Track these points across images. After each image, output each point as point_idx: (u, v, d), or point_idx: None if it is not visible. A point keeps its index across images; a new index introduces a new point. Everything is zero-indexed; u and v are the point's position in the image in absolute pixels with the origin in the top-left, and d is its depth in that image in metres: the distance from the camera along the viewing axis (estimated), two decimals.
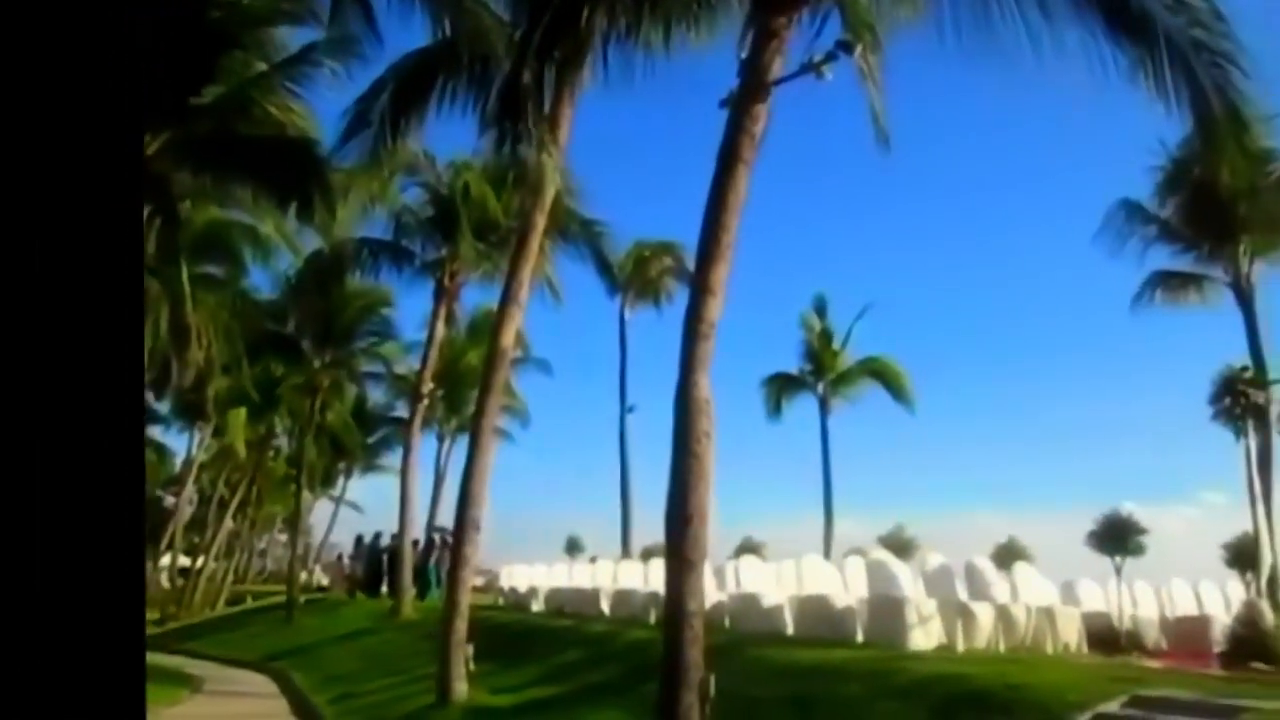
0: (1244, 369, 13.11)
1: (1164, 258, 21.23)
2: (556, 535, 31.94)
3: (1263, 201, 19.19)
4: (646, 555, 19.12)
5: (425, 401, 23.54)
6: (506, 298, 13.24)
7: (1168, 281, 21.33)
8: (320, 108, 16.11)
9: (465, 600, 12.68)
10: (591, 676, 12.19)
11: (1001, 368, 48.18)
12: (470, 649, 12.45)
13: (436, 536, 24.82)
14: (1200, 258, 20.86)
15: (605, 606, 17.38)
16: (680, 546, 8.78)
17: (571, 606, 18.23)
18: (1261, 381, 13.21)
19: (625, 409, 30.40)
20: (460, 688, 12.00)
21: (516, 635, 15.62)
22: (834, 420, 28.77)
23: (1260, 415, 12.79)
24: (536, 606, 19.85)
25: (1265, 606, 12.15)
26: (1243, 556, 13.40)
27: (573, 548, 29.69)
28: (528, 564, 23.21)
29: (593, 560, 23.27)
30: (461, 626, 12.36)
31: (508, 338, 13.19)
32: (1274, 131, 18.82)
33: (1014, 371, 47.41)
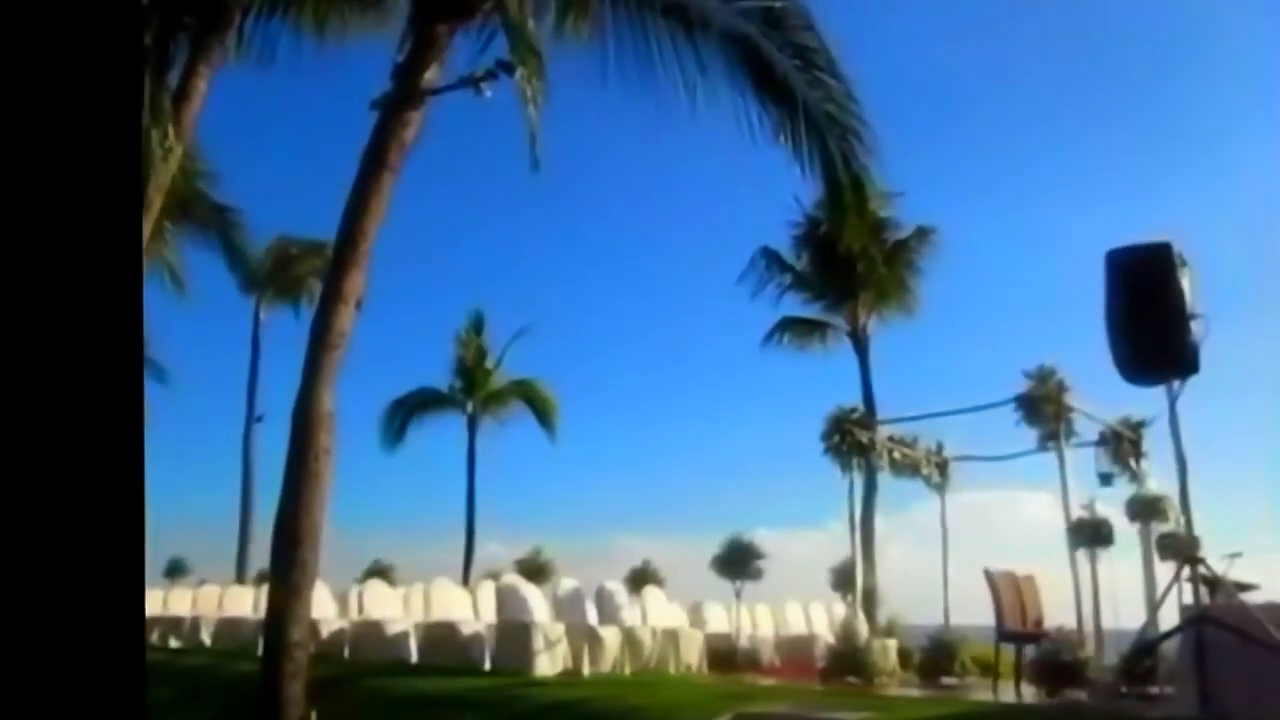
0: (853, 410, 14.31)
1: (796, 304, 23.27)
2: (158, 556, 27.92)
3: (877, 266, 21.62)
4: (261, 580, 17.38)
5: None
6: None
7: (796, 326, 23.38)
8: None
9: None
10: (179, 717, 10.79)
11: (650, 397, 50.34)
12: None
13: None
14: (825, 307, 23.12)
15: (207, 637, 15.72)
16: (287, 570, 8.04)
17: (164, 637, 16.19)
18: (868, 422, 14.50)
19: (252, 418, 27.76)
20: None
21: None
22: (481, 440, 27.98)
23: (864, 452, 14.02)
24: None
25: (860, 625, 13.20)
26: (846, 579, 14.59)
27: (176, 570, 25.97)
28: None
29: (200, 584, 20.84)
30: None
31: None
32: (892, 206, 21.41)
33: (660, 401, 49.66)
